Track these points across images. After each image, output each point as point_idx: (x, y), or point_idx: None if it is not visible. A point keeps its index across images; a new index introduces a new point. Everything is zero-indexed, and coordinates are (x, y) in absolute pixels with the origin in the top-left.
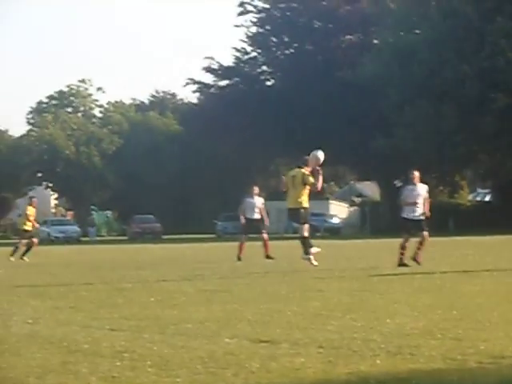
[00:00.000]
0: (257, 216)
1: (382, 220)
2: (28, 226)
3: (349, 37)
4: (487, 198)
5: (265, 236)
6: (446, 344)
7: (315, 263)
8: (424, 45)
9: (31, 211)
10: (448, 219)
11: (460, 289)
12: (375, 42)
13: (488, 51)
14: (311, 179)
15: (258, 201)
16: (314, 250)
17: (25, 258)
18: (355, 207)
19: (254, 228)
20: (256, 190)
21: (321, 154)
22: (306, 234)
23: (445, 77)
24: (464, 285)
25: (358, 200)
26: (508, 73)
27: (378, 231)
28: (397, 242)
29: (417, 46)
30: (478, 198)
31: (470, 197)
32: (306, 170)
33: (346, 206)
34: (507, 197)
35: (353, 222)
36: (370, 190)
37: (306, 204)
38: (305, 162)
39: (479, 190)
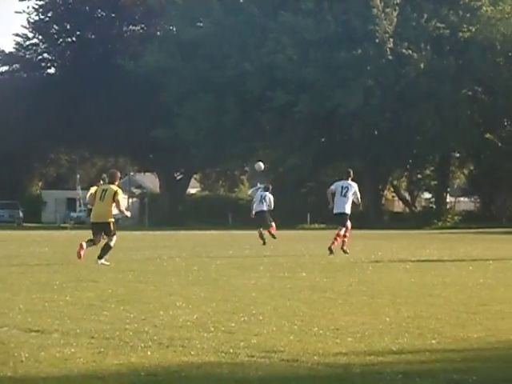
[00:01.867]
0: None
1: (161, 212)
2: None
3: (132, 27)
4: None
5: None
6: (218, 337)
7: (107, 263)
8: (207, 39)
9: None
10: (227, 213)
11: (235, 282)
12: (158, 33)
13: (270, 48)
14: (120, 198)
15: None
16: (106, 262)
17: None
18: (134, 199)
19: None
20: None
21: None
22: (112, 244)
23: (227, 72)
24: (239, 278)
25: (137, 191)
26: (288, 69)
27: (156, 223)
28: (175, 234)
29: (200, 39)
30: None
31: (250, 191)
32: (116, 187)
33: (125, 197)
34: (286, 190)
35: (132, 213)
36: (150, 181)
37: (112, 218)
38: (112, 176)
39: (259, 185)
